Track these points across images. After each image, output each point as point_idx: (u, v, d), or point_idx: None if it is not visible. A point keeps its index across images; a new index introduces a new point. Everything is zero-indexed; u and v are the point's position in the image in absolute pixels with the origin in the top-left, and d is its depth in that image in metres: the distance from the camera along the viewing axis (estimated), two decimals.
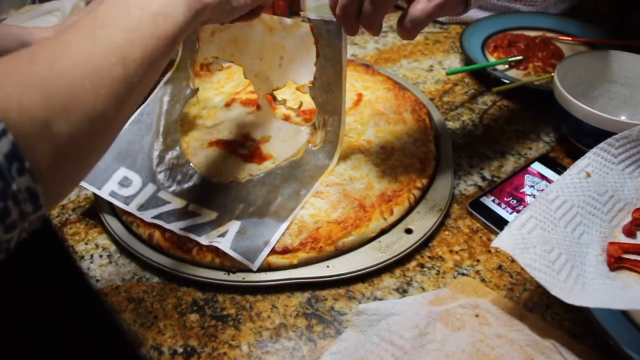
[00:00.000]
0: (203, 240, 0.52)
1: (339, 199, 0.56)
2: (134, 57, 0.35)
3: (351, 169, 0.60)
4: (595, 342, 0.44)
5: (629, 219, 0.51)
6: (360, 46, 0.90)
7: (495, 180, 0.63)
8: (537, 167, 0.63)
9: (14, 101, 0.29)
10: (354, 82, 0.74)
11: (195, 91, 0.67)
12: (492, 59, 0.82)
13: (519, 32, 0.88)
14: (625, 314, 0.44)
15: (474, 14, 0.92)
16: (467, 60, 0.82)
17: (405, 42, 0.89)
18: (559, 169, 0.62)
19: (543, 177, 0.61)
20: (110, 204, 0.58)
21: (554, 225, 0.47)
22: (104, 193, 0.57)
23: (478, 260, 0.53)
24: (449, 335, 0.44)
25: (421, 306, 0.46)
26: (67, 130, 0.31)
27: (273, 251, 0.51)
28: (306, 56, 0.58)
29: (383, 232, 0.54)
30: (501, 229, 0.45)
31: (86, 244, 0.57)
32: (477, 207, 0.58)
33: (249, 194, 0.57)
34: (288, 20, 0.58)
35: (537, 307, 0.48)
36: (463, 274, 0.52)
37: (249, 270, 0.51)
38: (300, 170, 0.60)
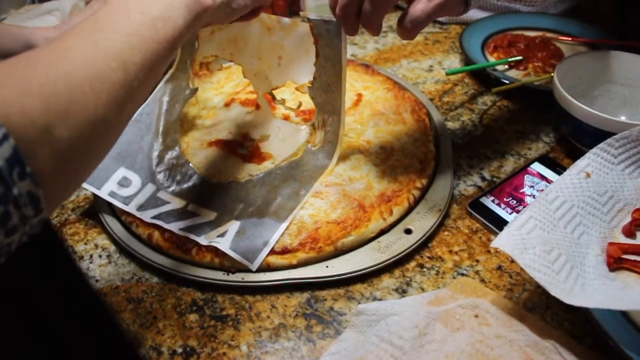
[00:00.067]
0: (202, 240, 0.52)
1: (338, 199, 0.56)
2: (134, 61, 0.35)
3: (351, 169, 0.60)
4: (594, 342, 0.44)
5: (628, 219, 0.51)
6: (359, 46, 0.90)
7: (495, 181, 0.63)
8: (537, 167, 0.63)
9: (15, 106, 0.29)
10: (354, 82, 0.74)
11: (194, 91, 0.67)
12: (491, 59, 0.82)
13: (519, 32, 0.88)
14: (624, 314, 0.44)
15: (473, 14, 0.92)
16: (467, 60, 0.82)
17: (405, 42, 0.89)
18: (559, 169, 0.62)
19: (543, 177, 0.61)
20: (109, 204, 0.58)
21: (554, 226, 0.46)
22: (103, 193, 0.57)
23: (477, 261, 0.53)
24: (448, 335, 0.44)
25: (420, 306, 0.46)
26: (67, 134, 0.31)
27: (272, 251, 0.51)
28: (305, 56, 0.58)
29: (382, 232, 0.54)
30: (501, 229, 0.45)
31: (85, 244, 0.57)
32: (476, 207, 0.58)
33: (249, 194, 0.57)
34: (286, 20, 0.58)
35: (537, 307, 0.48)
36: (462, 275, 0.52)
37: (249, 271, 0.51)
38: (299, 170, 0.60)
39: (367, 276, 0.52)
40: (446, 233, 0.56)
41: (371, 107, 0.69)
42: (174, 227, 0.53)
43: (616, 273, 0.47)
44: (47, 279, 0.81)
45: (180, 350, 0.46)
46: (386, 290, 0.51)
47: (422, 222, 0.55)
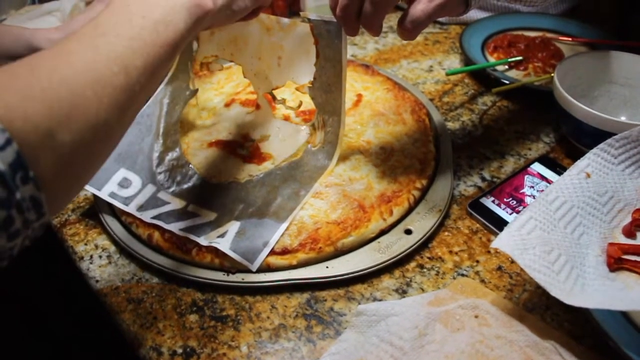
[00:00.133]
0: (202, 240, 0.52)
1: (338, 200, 0.56)
2: (136, 65, 0.35)
3: (351, 170, 0.60)
4: (594, 343, 0.44)
5: (628, 219, 0.51)
6: (360, 46, 0.90)
7: (495, 181, 0.62)
8: (537, 167, 0.63)
9: (18, 111, 0.29)
10: (354, 83, 0.74)
11: (194, 92, 0.67)
12: (492, 60, 0.82)
13: (519, 32, 0.88)
14: (625, 315, 0.44)
15: (473, 14, 0.92)
16: (467, 60, 0.82)
17: (405, 42, 0.89)
18: (559, 169, 0.62)
19: (543, 177, 0.61)
20: (109, 204, 0.58)
21: (554, 226, 0.46)
22: (103, 194, 0.57)
23: (477, 261, 0.53)
24: (448, 336, 0.44)
25: (420, 307, 0.46)
26: (70, 139, 0.31)
27: (272, 252, 0.51)
28: (305, 56, 0.58)
29: (382, 232, 0.54)
30: (501, 229, 0.45)
31: (86, 244, 0.57)
32: (476, 207, 0.58)
33: (249, 195, 0.57)
34: (285, 20, 0.58)
35: (537, 308, 0.48)
36: (462, 275, 0.52)
37: (249, 271, 0.51)
38: (299, 170, 0.60)
39: (367, 277, 0.52)
40: (446, 233, 0.56)
41: (371, 108, 0.69)
42: (174, 227, 0.53)
43: (616, 273, 0.47)
44: (47, 279, 0.81)
45: (180, 350, 0.46)
46: (386, 290, 0.51)
47: (422, 223, 0.55)
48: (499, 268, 0.53)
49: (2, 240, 0.28)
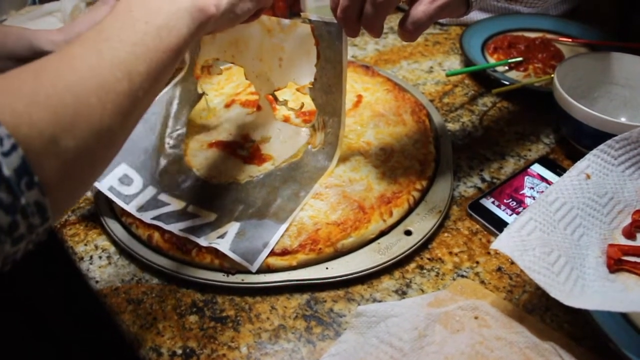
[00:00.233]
0: (202, 241, 0.52)
1: (338, 201, 0.56)
2: (139, 71, 0.36)
3: (350, 171, 0.60)
4: (594, 344, 0.44)
5: (628, 220, 0.51)
6: (360, 47, 0.90)
7: (495, 182, 0.62)
8: (537, 168, 0.63)
9: (23, 117, 0.29)
10: (354, 84, 0.74)
11: (201, 95, 0.67)
12: (492, 61, 0.82)
13: (519, 33, 0.88)
14: (624, 316, 0.44)
15: (474, 15, 0.92)
16: (467, 61, 0.82)
17: (405, 43, 0.89)
18: (559, 170, 0.62)
19: (543, 178, 0.61)
20: (110, 205, 0.58)
21: (554, 227, 0.46)
22: (103, 187, 0.56)
23: (477, 262, 0.53)
24: (448, 337, 0.44)
25: (420, 308, 0.46)
26: (74, 144, 0.31)
27: (272, 253, 0.51)
28: (306, 57, 0.58)
29: (382, 233, 0.54)
30: (501, 230, 0.45)
31: (85, 245, 0.57)
32: (476, 208, 0.58)
33: (249, 196, 0.57)
34: (286, 21, 0.58)
35: (537, 309, 0.48)
36: (462, 276, 0.52)
37: (248, 272, 0.51)
38: (299, 171, 0.60)
39: (366, 278, 0.52)
40: (446, 234, 0.56)
41: (371, 109, 0.69)
42: (174, 228, 0.53)
43: (616, 275, 0.47)
44: (47, 280, 0.81)
45: (180, 351, 0.46)
46: (386, 291, 0.51)
47: (422, 224, 0.55)
48: (499, 269, 0.53)
49: (6, 245, 0.29)
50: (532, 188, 0.60)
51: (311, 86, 0.59)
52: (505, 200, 0.59)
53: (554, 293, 0.41)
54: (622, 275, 0.47)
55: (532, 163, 0.64)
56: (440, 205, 0.57)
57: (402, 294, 0.51)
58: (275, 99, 0.66)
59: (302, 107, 0.66)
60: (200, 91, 0.67)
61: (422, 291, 0.51)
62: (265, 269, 0.51)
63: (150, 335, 0.47)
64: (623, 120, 0.67)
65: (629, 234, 0.50)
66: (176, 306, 0.50)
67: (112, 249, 0.56)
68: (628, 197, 0.52)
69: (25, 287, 0.80)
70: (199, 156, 0.63)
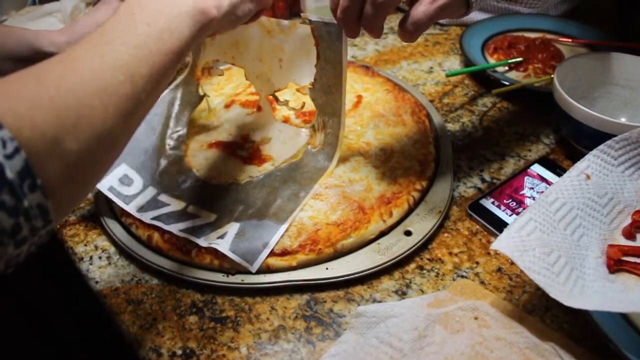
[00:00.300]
0: (202, 242, 0.52)
1: (338, 201, 0.56)
2: (142, 73, 0.36)
3: (350, 171, 0.60)
4: (594, 344, 0.44)
5: (628, 221, 0.51)
6: (360, 47, 0.90)
7: (495, 182, 0.62)
8: (537, 169, 0.63)
9: (26, 119, 0.29)
10: (354, 84, 0.74)
11: (202, 97, 0.67)
12: (492, 61, 0.82)
13: (519, 33, 0.88)
14: (624, 316, 0.44)
15: (474, 15, 0.92)
16: (467, 61, 0.82)
17: (405, 43, 0.89)
18: (559, 171, 0.62)
19: (543, 179, 0.61)
20: (109, 205, 0.58)
21: (554, 228, 0.46)
22: (103, 187, 0.56)
23: (477, 263, 0.53)
24: (448, 337, 0.44)
25: (420, 308, 0.46)
26: (76, 147, 0.31)
27: (272, 253, 0.51)
28: (306, 58, 0.58)
29: (382, 234, 0.54)
30: (501, 231, 0.45)
31: (85, 245, 0.57)
32: (476, 209, 0.58)
33: (248, 196, 0.57)
34: (285, 22, 0.58)
35: (537, 309, 0.48)
36: (462, 276, 0.52)
37: (248, 272, 0.51)
38: (299, 172, 0.60)
39: (366, 278, 0.52)
40: (446, 235, 0.56)
41: (371, 109, 0.69)
42: (174, 228, 0.53)
43: (616, 275, 0.47)
44: (47, 280, 0.81)
45: (179, 352, 0.46)
46: (386, 292, 0.51)
47: (421, 224, 0.55)
48: (499, 269, 0.52)
49: (9, 248, 0.29)
50: (532, 188, 0.60)
51: (311, 87, 0.59)
52: (505, 201, 0.59)
53: (554, 293, 0.41)
54: (622, 275, 0.47)
55: (532, 163, 0.64)
56: (440, 206, 0.57)
57: (402, 294, 0.51)
58: (276, 99, 0.66)
59: (303, 106, 0.66)
60: (201, 93, 0.67)
61: (422, 291, 0.51)
62: (265, 270, 0.51)
63: (150, 336, 0.47)
64: (623, 120, 0.67)
65: (628, 234, 0.50)
66: (176, 306, 0.50)
67: (112, 249, 0.56)
68: (628, 197, 0.52)
69: (25, 288, 0.80)
70: (199, 157, 0.63)
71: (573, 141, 0.65)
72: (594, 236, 0.49)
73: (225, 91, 0.74)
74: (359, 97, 0.71)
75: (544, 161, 0.64)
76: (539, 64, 0.80)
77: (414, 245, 0.53)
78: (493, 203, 0.58)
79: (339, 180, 0.59)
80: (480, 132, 0.71)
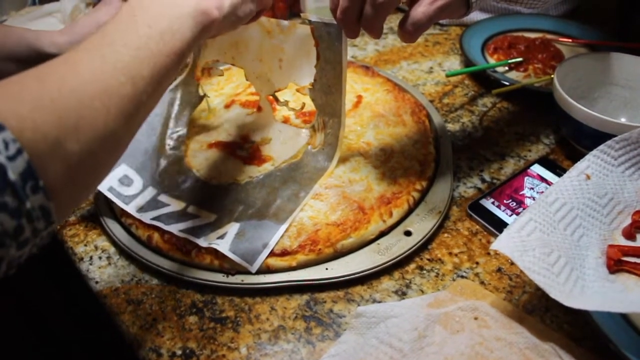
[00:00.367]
0: (202, 242, 0.52)
1: (338, 201, 0.56)
2: (143, 75, 0.36)
3: (350, 171, 0.60)
4: (594, 345, 0.44)
5: (628, 221, 0.51)
6: (360, 48, 0.90)
7: (495, 183, 0.62)
8: (537, 169, 0.63)
9: (28, 121, 0.29)
10: (354, 84, 0.74)
11: (202, 97, 0.67)
12: (492, 61, 0.82)
13: (519, 33, 0.88)
14: (624, 316, 0.44)
15: (474, 15, 0.92)
16: (467, 62, 0.82)
17: (405, 43, 0.89)
18: (559, 171, 0.62)
19: (543, 179, 0.61)
20: (109, 206, 0.58)
21: (554, 228, 0.46)
22: (102, 187, 0.56)
23: (477, 263, 0.53)
24: (448, 338, 0.44)
25: (420, 309, 0.46)
26: (78, 148, 0.31)
27: (272, 253, 0.51)
28: (306, 58, 0.58)
29: (382, 234, 0.54)
30: (500, 231, 0.45)
31: (85, 245, 0.57)
32: (476, 209, 0.58)
33: (248, 196, 0.57)
34: (285, 23, 0.58)
35: (537, 309, 0.48)
36: (462, 277, 0.52)
37: (248, 273, 0.51)
38: (299, 172, 0.60)
39: (366, 278, 0.52)
40: (446, 235, 0.56)
41: (371, 109, 0.69)
42: (174, 228, 0.53)
43: (616, 275, 0.47)
44: (47, 280, 0.81)
45: (179, 352, 0.46)
46: (386, 292, 0.51)
47: (421, 224, 0.55)
48: (499, 270, 0.52)
49: (12, 249, 0.29)
50: (532, 188, 0.60)
51: (311, 87, 0.59)
52: (505, 201, 0.59)
53: (554, 294, 0.41)
54: (622, 275, 0.47)
55: (532, 163, 0.64)
56: (440, 206, 0.57)
57: (401, 294, 0.51)
58: (276, 99, 0.66)
59: (303, 107, 0.66)
60: (201, 93, 0.67)
61: (422, 292, 0.51)
62: (265, 270, 0.51)
63: (150, 336, 0.47)
64: (623, 120, 0.67)
65: (628, 234, 0.50)
66: (176, 307, 0.50)
67: (112, 249, 0.56)
68: (628, 197, 0.52)
69: (25, 288, 0.80)
70: (199, 157, 0.63)
71: (573, 141, 0.65)
72: (594, 236, 0.49)
73: (225, 91, 0.74)
74: (359, 97, 0.71)
75: (544, 161, 0.64)
76: (539, 64, 0.80)
77: (414, 246, 0.53)
78: (493, 203, 0.58)
79: (338, 180, 0.59)
80: (480, 132, 0.71)
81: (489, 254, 0.54)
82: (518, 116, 0.73)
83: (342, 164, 0.61)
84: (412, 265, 0.53)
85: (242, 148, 0.64)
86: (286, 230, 0.53)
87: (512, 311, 0.47)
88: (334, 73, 0.56)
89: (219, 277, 0.51)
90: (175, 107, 0.67)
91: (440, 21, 0.95)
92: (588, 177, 0.51)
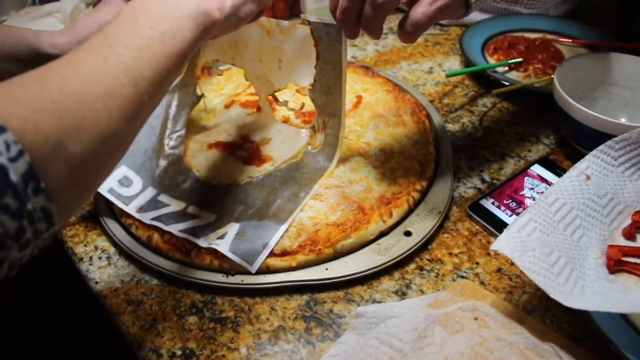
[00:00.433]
0: (202, 242, 0.52)
1: (338, 202, 0.56)
2: (144, 76, 0.36)
3: (350, 172, 0.60)
4: (594, 345, 0.44)
5: (628, 221, 0.51)
6: (359, 48, 0.90)
7: (495, 183, 0.62)
8: (537, 169, 0.63)
9: (29, 123, 0.29)
10: (354, 84, 0.74)
11: (200, 97, 0.67)
12: (492, 61, 0.82)
13: (519, 34, 0.88)
14: (624, 317, 0.44)
15: (474, 15, 0.92)
16: (467, 62, 0.82)
17: (405, 44, 0.89)
18: (559, 171, 0.62)
19: (543, 179, 0.61)
20: (109, 206, 0.58)
21: (554, 228, 0.46)
22: (102, 189, 0.56)
23: (477, 263, 0.53)
24: (447, 338, 0.44)
25: (420, 309, 0.46)
26: (80, 150, 0.31)
27: (272, 253, 0.51)
28: (306, 59, 0.58)
29: (382, 234, 0.54)
30: (500, 231, 0.45)
31: (85, 245, 0.57)
32: (476, 209, 0.58)
33: (248, 196, 0.57)
34: (285, 23, 0.58)
35: (536, 310, 0.48)
36: (462, 277, 0.52)
37: (248, 273, 0.51)
38: (299, 172, 0.60)
39: (366, 278, 0.52)
40: (446, 235, 0.56)
41: (371, 109, 0.69)
42: (174, 229, 0.53)
43: (616, 275, 0.47)
44: (47, 280, 0.81)
45: (179, 352, 0.46)
46: (386, 292, 0.51)
47: (421, 225, 0.55)
48: (499, 270, 0.52)
49: (13, 251, 0.29)
50: (532, 189, 0.60)
51: (311, 87, 0.59)
52: (505, 201, 0.59)
53: (554, 294, 0.41)
54: (622, 276, 0.47)
55: (532, 164, 0.64)
56: (440, 206, 0.57)
57: (401, 294, 0.51)
58: (276, 99, 0.66)
59: (302, 107, 0.66)
60: (199, 93, 0.67)
61: (422, 292, 0.51)
62: (265, 270, 0.51)
63: (150, 336, 0.47)
64: (623, 121, 0.67)
65: (628, 234, 0.50)
66: (176, 307, 0.50)
67: (112, 249, 0.56)
68: (628, 198, 0.52)
69: (25, 288, 0.80)
70: (199, 157, 0.63)
71: (573, 141, 0.65)
72: (594, 237, 0.49)
73: (225, 91, 0.74)
74: (359, 97, 0.71)
75: (544, 161, 0.64)
76: (539, 65, 0.80)
77: (413, 246, 0.53)
78: (493, 203, 0.58)
79: (338, 180, 0.59)
80: (480, 132, 0.71)
81: (489, 254, 0.54)
82: (518, 116, 0.73)
83: (342, 164, 0.61)
84: (412, 266, 0.53)
85: (242, 148, 0.64)
86: (286, 231, 0.53)
87: (512, 311, 0.47)
88: (333, 73, 0.56)
89: (218, 278, 0.51)
90: (174, 108, 0.67)
91: (440, 21, 0.95)
92: (588, 178, 0.51)
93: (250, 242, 0.52)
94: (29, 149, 0.28)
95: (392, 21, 0.95)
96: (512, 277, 0.52)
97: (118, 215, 0.57)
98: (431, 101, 0.75)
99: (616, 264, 0.47)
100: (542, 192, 0.53)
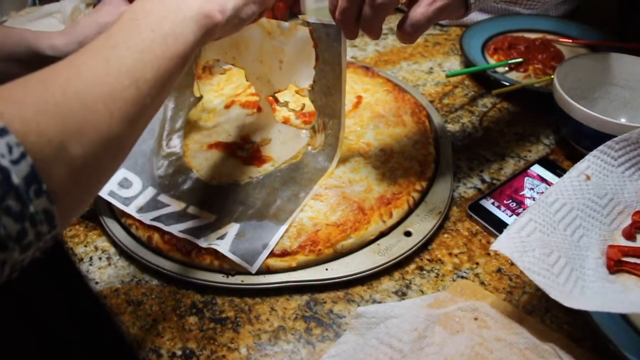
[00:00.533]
0: (202, 242, 0.52)
1: (338, 202, 0.56)
2: (146, 78, 0.36)
3: (350, 172, 0.60)
4: (594, 345, 0.44)
5: (628, 221, 0.51)
6: (359, 48, 0.90)
7: (495, 183, 0.62)
8: (537, 169, 0.63)
9: (32, 125, 0.29)
10: (354, 85, 0.74)
11: (198, 99, 0.67)
12: (492, 61, 0.82)
13: (519, 34, 0.88)
14: (624, 317, 0.44)
15: (474, 16, 0.92)
16: (467, 62, 0.82)
17: (405, 44, 0.89)
18: (559, 171, 0.62)
19: (543, 179, 0.61)
20: (109, 206, 0.58)
21: (554, 228, 0.46)
22: (103, 192, 0.57)
23: (477, 263, 0.53)
24: (447, 338, 0.44)
25: (420, 309, 0.46)
26: (82, 152, 0.31)
27: (272, 254, 0.51)
28: (307, 60, 0.58)
29: (382, 234, 0.54)
30: (500, 231, 0.45)
31: (85, 246, 0.57)
32: (476, 209, 0.58)
33: (248, 197, 0.57)
34: (286, 24, 0.58)
35: (536, 310, 0.48)
36: (462, 277, 0.52)
37: (248, 273, 0.51)
38: (299, 172, 0.60)
39: (366, 279, 0.52)
40: (446, 235, 0.56)
41: (371, 110, 0.69)
42: (174, 229, 0.53)
43: (616, 276, 0.47)
44: (47, 281, 0.81)
45: (179, 352, 0.46)
46: (386, 292, 0.51)
47: (421, 225, 0.55)
48: (499, 270, 0.52)
49: (15, 253, 0.29)
50: (532, 189, 0.60)
51: (310, 88, 0.59)
52: (505, 201, 0.59)
53: (554, 294, 0.41)
54: (622, 276, 0.47)
55: (532, 164, 0.64)
56: (440, 206, 0.57)
57: (401, 295, 0.51)
58: (276, 100, 0.66)
59: (303, 108, 0.66)
60: (197, 94, 0.67)
61: (422, 292, 0.51)
62: (265, 270, 0.51)
63: (150, 337, 0.47)
64: (623, 121, 0.67)
65: (628, 235, 0.50)
66: (176, 307, 0.50)
67: (112, 250, 0.56)
68: (628, 198, 0.52)
69: (25, 289, 0.80)
70: (199, 157, 0.63)
71: (573, 142, 0.65)
72: (594, 237, 0.49)
73: (226, 92, 0.74)
74: (359, 97, 0.71)
75: (544, 162, 0.64)
76: (539, 65, 0.80)
77: (413, 246, 0.53)
78: (493, 204, 0.58)
79: (338, 180, 0.59)
80: (480, 132, 0.71)
81: (489, 254, 0.54)
82: (518, 116, 0.73)
83: (342, 164, 0.61)
84: (412, 266, 0.53)
85: (242, 148, 0.64)
86: (286, 231, 0.53)
87: (512, 312, 0.47)
88: (333, 74, 0.56)
89: (219, 278, 0.51)
90: (171, 109, 0.67)
91: (440, 22, 0.95)
92: (588, 178, 0.51)
93: (250, 243, 0.52)
94: (31, 151, 0.28)
95: (392, 21, 0.95)
96: (512, 277, 0.52)
97: (118, 215, 0.57)
98: (431, 101, 0.75)
99: (616, 264, 0.47)
100: (542, 193, 0.53)
